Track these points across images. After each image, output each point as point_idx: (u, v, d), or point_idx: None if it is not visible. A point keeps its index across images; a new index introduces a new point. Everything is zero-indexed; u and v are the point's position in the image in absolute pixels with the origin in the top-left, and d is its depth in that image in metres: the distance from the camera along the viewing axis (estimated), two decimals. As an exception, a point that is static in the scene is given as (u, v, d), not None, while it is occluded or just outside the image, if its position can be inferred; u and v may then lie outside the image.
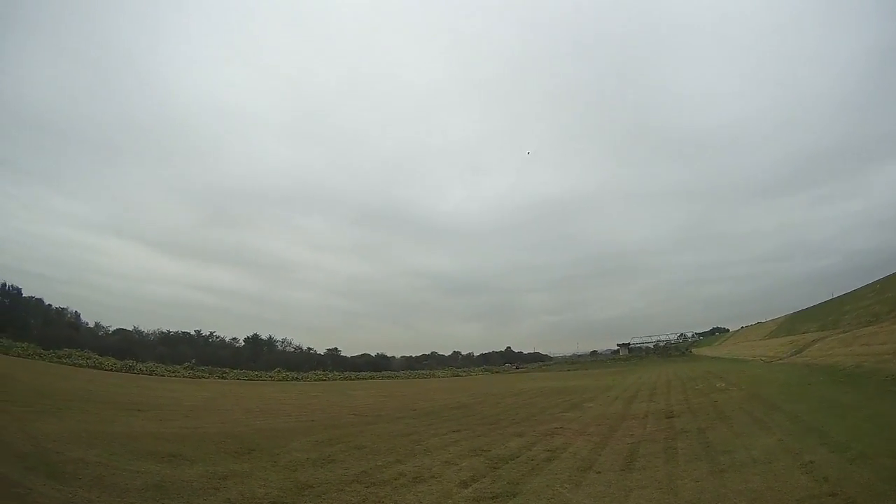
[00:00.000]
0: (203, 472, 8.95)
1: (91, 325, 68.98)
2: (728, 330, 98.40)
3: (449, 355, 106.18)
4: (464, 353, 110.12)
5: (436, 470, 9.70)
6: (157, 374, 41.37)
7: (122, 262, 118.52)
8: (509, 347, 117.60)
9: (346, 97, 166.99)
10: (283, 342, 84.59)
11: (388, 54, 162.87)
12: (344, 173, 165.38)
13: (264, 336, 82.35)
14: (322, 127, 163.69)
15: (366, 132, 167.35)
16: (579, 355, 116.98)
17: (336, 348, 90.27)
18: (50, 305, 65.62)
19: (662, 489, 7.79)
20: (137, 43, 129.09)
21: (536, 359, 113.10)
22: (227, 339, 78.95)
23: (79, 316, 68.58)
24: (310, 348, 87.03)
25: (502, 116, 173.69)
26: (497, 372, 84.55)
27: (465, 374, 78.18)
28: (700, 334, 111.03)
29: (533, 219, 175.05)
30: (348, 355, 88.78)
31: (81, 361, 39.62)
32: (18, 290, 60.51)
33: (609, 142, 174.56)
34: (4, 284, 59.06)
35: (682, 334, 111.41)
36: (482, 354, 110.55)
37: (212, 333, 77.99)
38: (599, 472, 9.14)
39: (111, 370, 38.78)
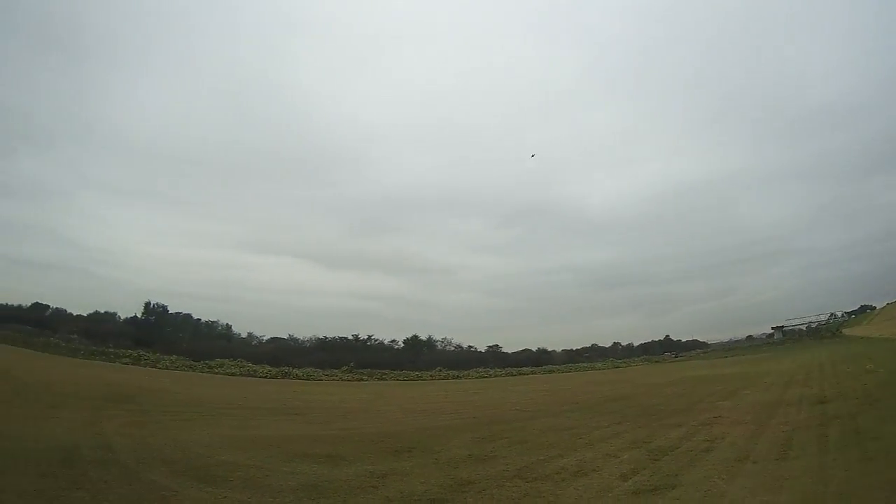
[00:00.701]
0: (361, 472, 9.23)
1: (244, 335, 76.61)
2: (875, 307, 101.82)
3: (609, 347, 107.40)
4: (623, 343, 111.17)
5: (597, 463, 10.03)
6: (314, 379, 45.28)
7: (273, 276, 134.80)
8: (668, 336, 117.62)
9: (481, 100, 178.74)
10: (442, 342, 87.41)
11: (519, 56, 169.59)
12: (490, 175, 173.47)
13: (423, 337, 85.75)
14: (460, 131, 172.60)
15: (507, 134, 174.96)
16: (735, 341, 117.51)
17: (497, 345, 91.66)
18: (199, 320, 74.15)
19: (814, 479, 7.93)
20: (271, 69, 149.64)
21: (694, 346, 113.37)
22: (385, 342, 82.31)
23: (230, 327, 76.83)
24: (470, 346, 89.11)
25: (642, 107, 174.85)
26: (656, 361, 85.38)
27: (624, 364, 79.89)
28: (849, 313, 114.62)
29: (679, 207, 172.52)
30: (509, 352, 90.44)
31: (235, 370, 43.67)
32: (164, 308, 69.52)
33: (746, 123, 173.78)
34: (149, 303, 68.62)
35: (832, 314, 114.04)
36: (641, 344, 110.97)
37: (370, 337, 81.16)
38: (755, 462, 9.36)
39: (266, 377, 43.29)
